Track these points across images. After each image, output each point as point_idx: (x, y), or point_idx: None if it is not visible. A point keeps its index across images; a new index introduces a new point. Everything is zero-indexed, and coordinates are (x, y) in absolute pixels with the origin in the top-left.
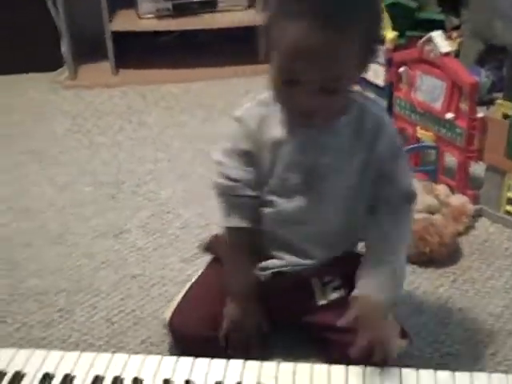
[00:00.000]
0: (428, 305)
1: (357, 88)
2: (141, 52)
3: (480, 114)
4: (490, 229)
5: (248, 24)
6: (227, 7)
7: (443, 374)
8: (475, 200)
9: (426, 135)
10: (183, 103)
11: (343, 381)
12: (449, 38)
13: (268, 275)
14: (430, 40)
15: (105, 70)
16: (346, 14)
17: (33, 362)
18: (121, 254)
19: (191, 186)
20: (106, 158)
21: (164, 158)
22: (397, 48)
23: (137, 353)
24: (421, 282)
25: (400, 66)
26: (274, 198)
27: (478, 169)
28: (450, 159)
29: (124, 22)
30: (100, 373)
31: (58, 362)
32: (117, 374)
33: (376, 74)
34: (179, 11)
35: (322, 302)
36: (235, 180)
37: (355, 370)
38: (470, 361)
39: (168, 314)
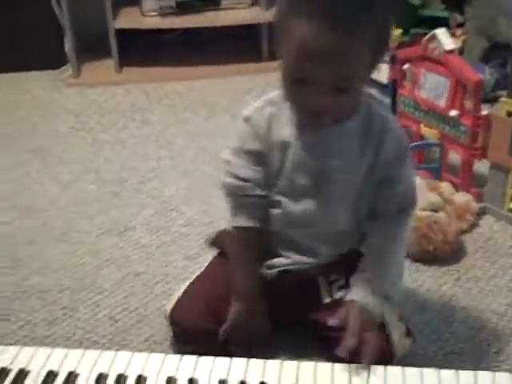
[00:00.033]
0: (431, 303)
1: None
2: (144, 50)
3: (484, 112)
4: (494, 227)
5: (251, 22)
6: (230, 5)
7: (447, 373)
8: (479, 198)
9: (429, 133)
10: (186, 101)
11: (347, 379)
12: (453, 35)
13: (274, 273)
14: (434, 37)
15: (108, 68)
16: (355, 14)
17: (37, 359)
18: (124, 251)
19: (194, 184)
20: (109, 156)
21: (167, 156)
22: (401, 45)
23: (140, 350)
24: (424, 279)
25: (404, 64)
26: (282, 198)
27: (482, 167)
28: (454, 157)
29: (127, 19)
30: (104, 370)
31: (61, 359)
32: (120, 371)
33: (380, 71)
34: (182, 9)
35: (327, 300)
36: (244, 179)
37: (359, 369)
38: (473, 359)
39: (169, 307)
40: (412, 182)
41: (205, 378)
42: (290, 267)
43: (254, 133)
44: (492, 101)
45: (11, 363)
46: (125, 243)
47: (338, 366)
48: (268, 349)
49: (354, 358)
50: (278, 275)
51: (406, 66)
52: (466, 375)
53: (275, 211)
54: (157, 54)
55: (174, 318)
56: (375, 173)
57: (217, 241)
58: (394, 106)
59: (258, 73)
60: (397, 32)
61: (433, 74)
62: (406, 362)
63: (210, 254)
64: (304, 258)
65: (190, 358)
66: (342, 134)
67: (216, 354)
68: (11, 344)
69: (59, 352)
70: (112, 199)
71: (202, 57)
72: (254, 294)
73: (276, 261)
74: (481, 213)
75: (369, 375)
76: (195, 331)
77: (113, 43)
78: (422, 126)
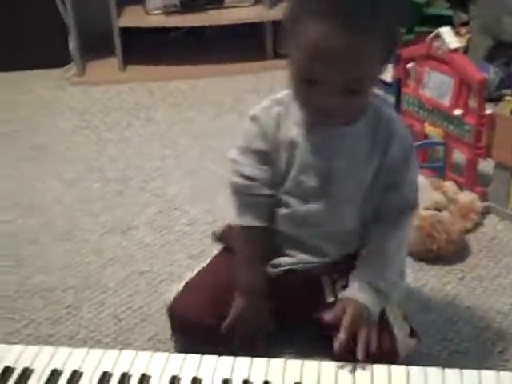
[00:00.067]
0: (436, 302)
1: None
2: (148, 48)
3: (488, 111)
4: (498, 226)
5: (255, 20)
6: (234, 3)
7: (451, 372)
8: (483, 197)
9: (434, 132)
10: (191, 99)
11: (351, 379)
12: (457, 33)
13: (279, 272)
14: (438, 36)
15: (112, 67)
16: (366, 14)
17: (41, 358)
18: (128, 250)
19: (198, 183)
20: (113, 155)
21: (171, 155)
22: (405, 44)
23: (144, 349)
24: (428, 279)
25: (408, 62)
26: (288, 198)
27: (486, 166)
28: (458, 156)
29: (132, 18)
30: (108, 369)
31: (66, 358)
32: (124, 370)
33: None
34: (186, 7)
35: (331, 299)
36: (250, 178)
37: (363, 368)
38: (478, 358)
39: (170, 299)
40: (415, 183)
41: (208, 377)
42: (295, 266)
43: (261, 132)
44: (496, 100)
45: (15, 362)
46: (129, 242)
47: (341, 365)
48: (269, 347)
49: (349, 354)
50: (282, 274)
51: (410, 65)
52: (470, 374)
53: (282, 211)
54: (161, 52)
55: (174, 310)
56: (382, 175)
57: (223, 236)
58: (397, 105)
59: (261, 71)
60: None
61: (437, 72)
62: (410, 361)
63: (214, 252)
64: (309, 258)
65: (194, 357)
66: (350, 135)
67: (214, 348)
68: (15, 343)
69: (63, 351)
70: (116, 198)
71: (205, 55)
72: (258, 292)
73: (281, 260)
74: (485, 212)
75: (373, 374)
76: (195, 324)
77: (117, 42)
78: (426, 125)
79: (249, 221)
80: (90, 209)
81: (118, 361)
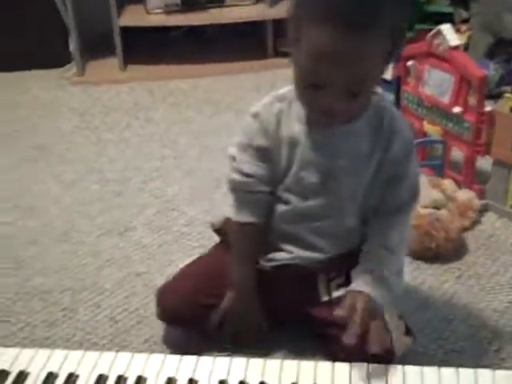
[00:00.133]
0: (433, 300)
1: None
2: (149, 47)
3: (488, 108)
4: (496, 223)
5: (256, 19)
6: (235, 2)
7: (447, 371)
8: (482, 195)
9: (432, 129)
10: (191, 99)
11: (347, 378)
12: (458, 31)
13: (273, 266)
14: (438, 33)
15: (113, 66)
16: (370, 17)
17: (37, 361)
18: (125, 251)
19: (197, 183)
20: (113, 155)
21: (170, 155)
22: (405, 41)
23: (140, 351)
24: (426, 277)
25: (408, 60)
26: (288, 195)
27: (484, 163)
28: (457, 154)
29: (132, 17)
30: (104, 372)
31: (61, 361)
32: (120, 372)
33: None
34: (187, 6)
35: (325, 298)
36: (248, 175)
37: (359, 368)
38: (474, 357)
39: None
40: (417, 175)
41: (205, 379)
42: (290, 261)
43: (262, 129)
44: (496, 97)
45: (11, 365)
46: (126, 243)
47: (338, 364)
48: (261, 344)
49: (361, 347)
50: (276, 268)
51: (410, 63)
52: (466, 373)
53: (281, 207)
54: (161, 51)
55: (159, 297)
56: (383, 171)
57: (221, 228)
58: (397, 103)
59: (262, 70)
60: None
61: (437, 70)
62: (406, 360)
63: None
64: (306, 253)
65: (190, 359)
66: (351, 133)
67: (200, 336)
68: (11, 346)
69: (59, 353)
70: (114, 199)
71: (206, 54)
72: (250, 291)
73: (277, 255)
74: (483, 210)
75: (369, 374)
76: (184, 313)
77: (117, 41)
78: (424, 122)
79: (246, 217)
80: (88, 210)
81: (114, 363)
